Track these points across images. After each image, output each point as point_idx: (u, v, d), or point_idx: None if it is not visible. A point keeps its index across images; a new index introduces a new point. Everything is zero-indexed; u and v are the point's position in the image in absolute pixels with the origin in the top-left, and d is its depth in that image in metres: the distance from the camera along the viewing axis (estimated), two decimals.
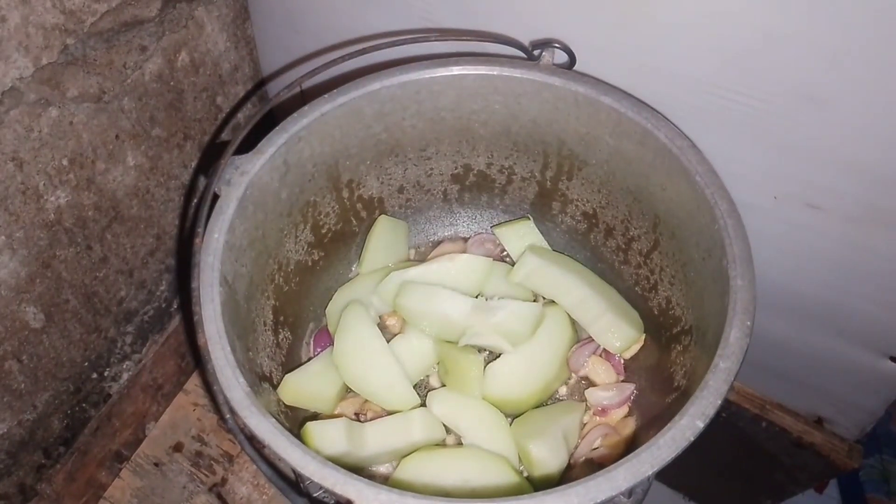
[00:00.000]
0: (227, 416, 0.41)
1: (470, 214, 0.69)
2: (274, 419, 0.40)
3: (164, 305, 0.73)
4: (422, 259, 0.68)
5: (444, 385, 0.60)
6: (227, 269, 0.48)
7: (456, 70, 0.55)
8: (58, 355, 0.61)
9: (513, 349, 0.58)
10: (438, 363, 0.61)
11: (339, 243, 0.65)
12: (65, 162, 0.55)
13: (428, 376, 0.62)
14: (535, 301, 0.63)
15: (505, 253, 0.67)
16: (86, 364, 0.65)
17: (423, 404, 0.58)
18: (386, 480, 0.52)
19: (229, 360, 0.43)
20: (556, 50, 0.54)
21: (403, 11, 0.62)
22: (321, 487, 0.38)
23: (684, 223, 0.52)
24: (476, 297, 0.62)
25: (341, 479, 0.37)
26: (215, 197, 0.49)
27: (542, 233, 0.66)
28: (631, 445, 0.57)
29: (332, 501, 0.41)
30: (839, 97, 0.48)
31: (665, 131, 0.51)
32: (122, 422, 0.72)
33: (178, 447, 0.73)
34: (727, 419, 0.77)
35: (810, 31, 0.46)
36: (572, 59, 0.55)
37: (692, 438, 0.39)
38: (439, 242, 0.70)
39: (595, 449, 0.57)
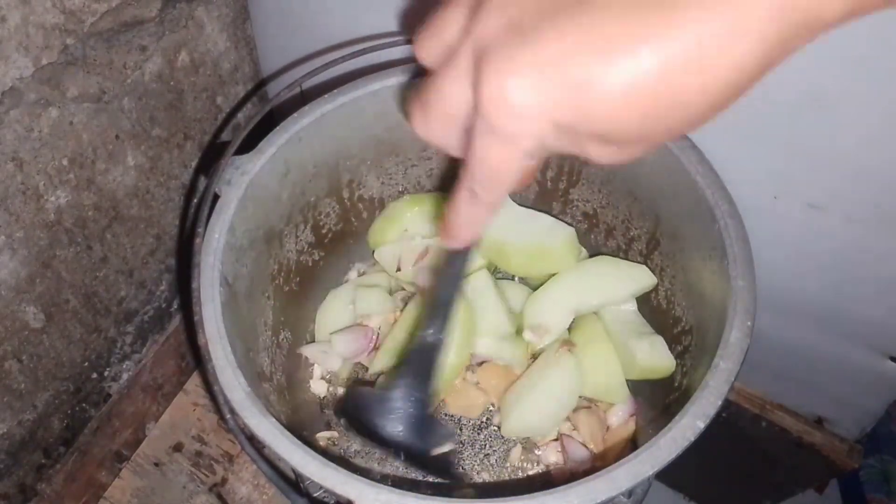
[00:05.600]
0: (228, 416, 0.41)
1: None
2: (274, 419, 0.40)
3: (164, 305, 0.73)
4: None
5: None
6: (228, 270, 0.48)
7: None
8: (58, 355, 0.61)
9: None
10: None
11: (339, 243, 0.65)
12: (65, 162, 0.55)
13: None
14: None
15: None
16: (86, 364, 0.65)
17: None
18: None
19: (230, 360, 0.43)
20: None
21: (403, 11, 0.62)
22: (321, 487, 0.38)
23: (685, 224, 0.52)
24: None
25: (342, 480, 0.37)
26: (216, 197, 0.49)
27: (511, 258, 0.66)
28: (631, 446, 0.57)
29: (333, 501, 0.41)
30: (840, 97, 0.48)
31: None
32: (122, 422, 0.72)
33: (178, 447, 0.73)
34: (727, 419, 0.77)
35: None
36: None
37: (692, 438, 0.39)
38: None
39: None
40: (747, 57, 0.24)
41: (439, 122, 0.29)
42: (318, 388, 0.63)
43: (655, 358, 0.54)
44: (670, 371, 0.53)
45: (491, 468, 0.59)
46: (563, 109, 0.24)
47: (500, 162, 0.27)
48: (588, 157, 0.27)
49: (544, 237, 0.59)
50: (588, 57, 0.23)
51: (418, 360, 0.42)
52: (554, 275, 0.59)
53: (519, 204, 0.63)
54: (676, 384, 0.52)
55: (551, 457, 0.58)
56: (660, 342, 0.55)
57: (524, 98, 0.24)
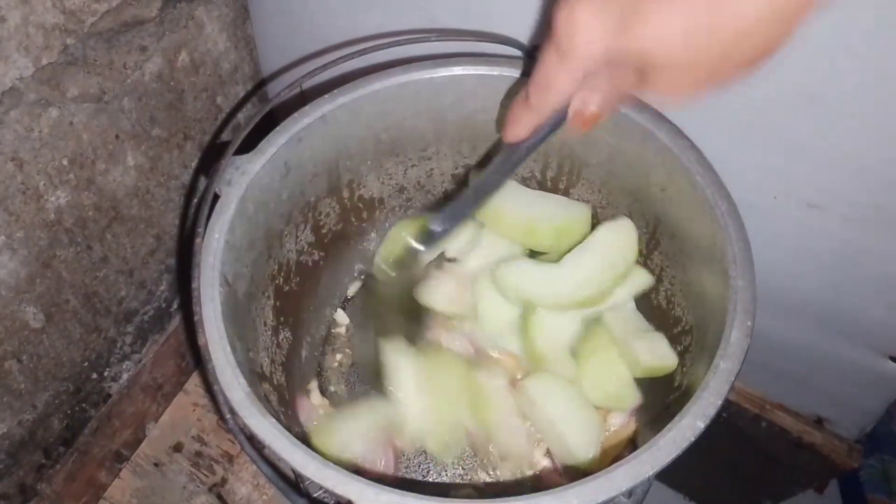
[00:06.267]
0: (228, 416, 0.41)
1: None
2: (274, 419, 0.40)
3: (164, 305, 0.73)
4: None
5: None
6: (228, 270, 0.48)
7: (456, 70, 0.55)
8: (58, 355, 0.61)
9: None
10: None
11: (339, 243, 0.65)
12: (65, 162, 0.55)
13: None
14: None
15: None
16: (86, 364, 0.65)
17: None
18: None
19: (229, 360, 0.42)
20: None
21: (403, 11, 0.62)
22: (321, 488, 0.38)
23: (685, 223, 0.52)
24: None
25: (342, 480, 0.37)
26: (216, 197, 0.49)
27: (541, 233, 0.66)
28: (631, 446, 0.57)
29: (332, 502, 0.41)
30: (839, 97, 0.48)
31: (665, 131, 0.51)
32: (122, 422, 0.72)
33: (178, 447, 0.73)
34: (727, 419, 0.77)
35: (810, 30, 0.46)
36: None
37: (692, 439, 0.38)
38: None
39: None
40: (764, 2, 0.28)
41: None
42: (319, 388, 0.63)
43: (658, 356, 0.54)
44: (673, 368, 0.53)
45: (489, 467, 0.59)
46: (614, 34, 0.31)
47: (553, 71, 0.34)
48: (648, 89, 0.33)
49: (567, 212, 0.61)
50: None
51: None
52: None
53: None
54: (676, 384, 0.52)
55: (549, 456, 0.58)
56: (661, 340, 0.55)
57: (586, 19, 0.31)
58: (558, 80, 0.35)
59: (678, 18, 0.29)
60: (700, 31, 0.29)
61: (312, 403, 0.60)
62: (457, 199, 0.48)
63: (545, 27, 0.35)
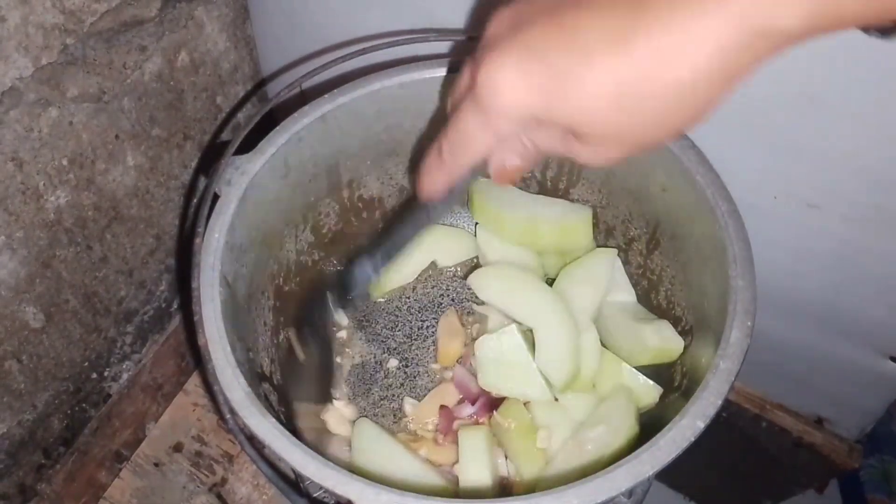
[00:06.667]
0: (228, 416, 0.41)
1: (470, 214, 0.69)
2: (274, 419, 0.40)
3: (164, 305, 0.73)
4: None
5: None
6: (228, 270, 0.48)
7: (456, 70, 0.55)
8: (58, 355, 0.61)
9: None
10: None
11: (339, 243, 0.65)
12: (64, 162, 0.55)
13: None
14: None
15: None
16: (86, 364, 0.65)
17: None
18: None
19: (229, 360, 0.42)
20: None
21: (403, 11, 0.62)
22: (321, 487, 0.38)
23: (685, 224, 0.52)
24: None
25: (342, 480, 0.37)
26: (215, 197, 0.49)
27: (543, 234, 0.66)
28: (631, 446, 0.57)
29: (332, 502, 0.41)
30: (839, 97, 0.48)
31: None
32: (122, 422, 0.72)
33: (178, 447, 0.73)
34: (727, 419, 0.77)
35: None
36: None
37: (692, 439, 0.38)
38: None
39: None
40: (704, 63, 0.25)
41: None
42: None
43: (665, 339, 0.54)
44: (679, 352, 0.53)
45: None
46: (541, 95, 0.28)
47: (472, 130, 0.31)
48: (571, 154, 0.31)
49: (569, 214, 0.61)
50: (569, 53, 0.27)
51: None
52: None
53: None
54: (676, 384, 0.52)
55: None
56: (666, 325, 0.55)
57: (513, 79, 0.28)
58: (476, 140, 0.31)
59: (609, 87, 0.27)
60: (632, 99, 0.27)
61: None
62: (370, 255, 0.49)
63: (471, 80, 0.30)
